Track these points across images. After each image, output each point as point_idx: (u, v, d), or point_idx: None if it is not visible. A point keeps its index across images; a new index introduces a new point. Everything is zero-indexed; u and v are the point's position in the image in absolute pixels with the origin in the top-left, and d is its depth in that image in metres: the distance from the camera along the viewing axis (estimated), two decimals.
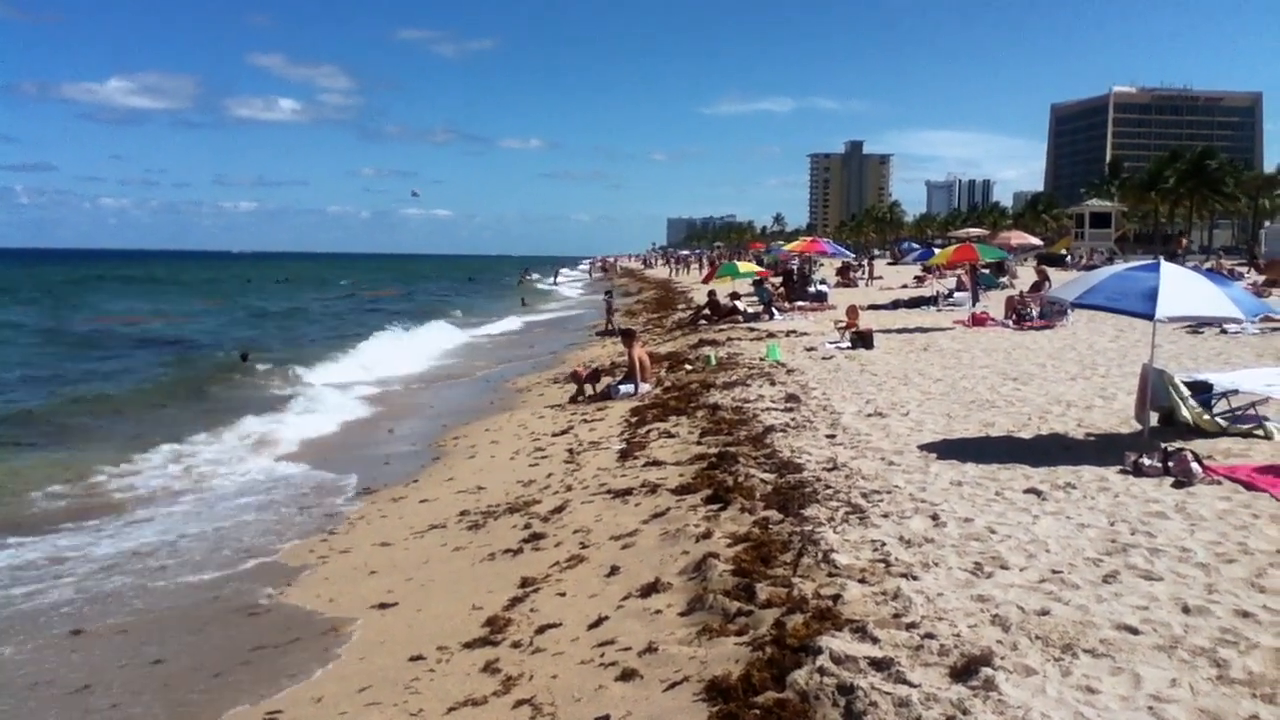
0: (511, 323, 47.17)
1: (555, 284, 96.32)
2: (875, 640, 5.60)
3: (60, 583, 9.57)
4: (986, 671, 5.10)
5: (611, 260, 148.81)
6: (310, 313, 58.44)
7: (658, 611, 6.75)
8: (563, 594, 7.59)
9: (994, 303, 29.63)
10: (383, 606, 8.18)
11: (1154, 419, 11.08)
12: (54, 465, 14.80)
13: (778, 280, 38.28)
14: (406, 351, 32.02)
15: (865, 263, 57.25)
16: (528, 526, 9.74)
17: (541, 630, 6.85)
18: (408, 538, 10.34)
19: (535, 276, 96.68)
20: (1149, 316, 9.93)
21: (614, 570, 7.84)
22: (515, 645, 6.71)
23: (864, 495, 8.78)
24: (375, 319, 46.30)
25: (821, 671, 5.25)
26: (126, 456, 15.11)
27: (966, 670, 5.17)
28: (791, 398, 14.47)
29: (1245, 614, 5.88)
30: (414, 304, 65.87)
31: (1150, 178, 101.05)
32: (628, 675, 5.80)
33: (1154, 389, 10.99)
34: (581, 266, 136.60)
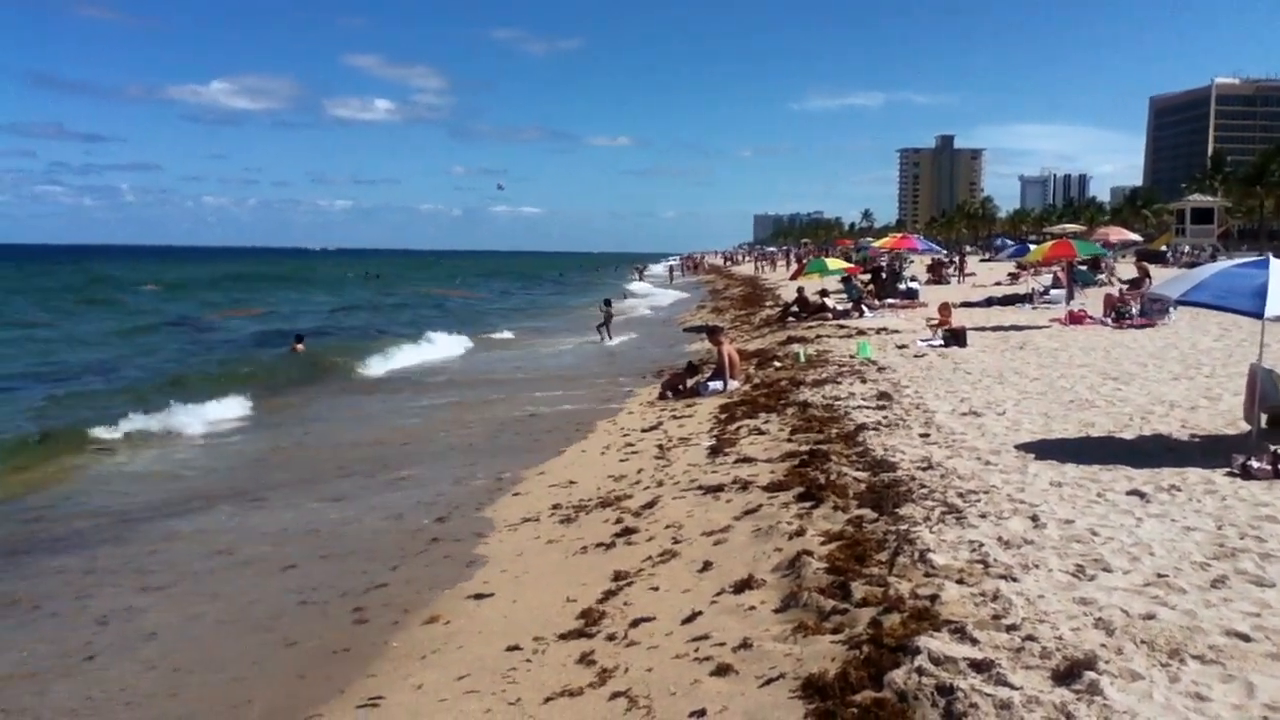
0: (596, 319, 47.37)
1: (641, 281, 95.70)
2: (975, 641, 5.53)
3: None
4: (1090, 675, 5.01)
5: (699, 257, 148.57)
6: (419, 306, 59.49)
7: (751, 608, 6.75)
8: (655, 588, 7.63)
9: (1091, 300, 28.95)
10: (479, 597, 8.31)
11: (1263, 420, 10.74)
12: None
13: (867, 277, 37.85)
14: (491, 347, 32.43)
15: (957, 259, 56.30)
16: (619, 521, 9.81)
17: (635, 624, 6.90)
18: (502, 530, 10.49)
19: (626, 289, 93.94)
20: (1258, 315, 9.65)
21: (706, 566, 7.86)
22: (610, 638, 6.77)
23: (960, 495, 8.66)
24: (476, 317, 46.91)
25: (920, 672, 5.21)
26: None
27: (1069, 674, 5.09)
28: (883, 396, 14.33)
29: None
30: (507, 303, 66.61)
31: (1256, 171, 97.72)
32: (723, 670, 5.82)
33: (1263, 389, 10.66)
34: (666, 264, 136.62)
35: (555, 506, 11.01)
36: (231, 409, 19.45)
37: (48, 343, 36.36)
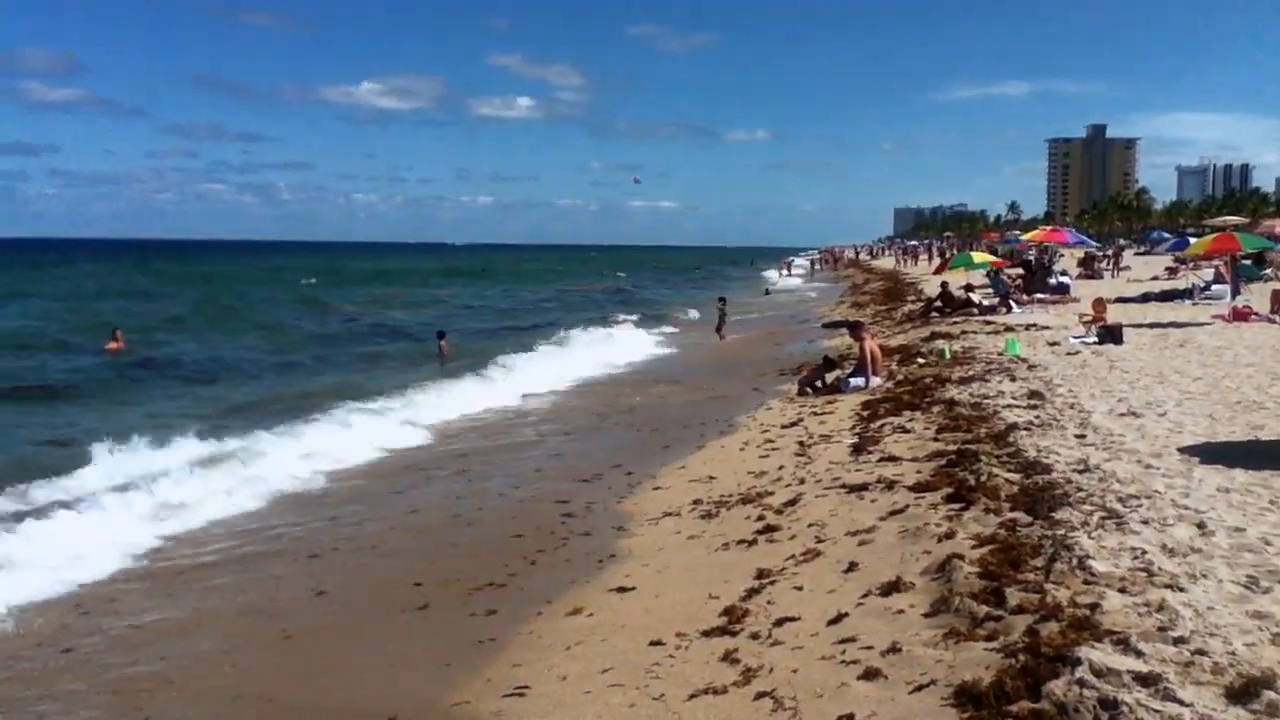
0: (734, 315, 47.16)
1: (788, 276, 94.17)
2: (1140, 654, 5.27)
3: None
4: (1270, 695, 4.71)
5: (838, 251, 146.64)
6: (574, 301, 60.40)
7: (900, 611, 6.59)
8: (799, 588, 7.53)
9: (1256, 296, 27.46)
10: (621, 590, 8.34)
11: None
12: None
13: (1015, 271, 36.71)
14: (637, 342, 32.63)
15: (1110, 253, 54.16)
16: (761, 518, 9.72)
17: (780, 623, 6.82)
18: (642, 524, 10.52)
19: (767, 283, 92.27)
20: None
21: (852, 566, 7.72)
22: (754, 636, 6.71)
23: (1120, 499, 8.29)
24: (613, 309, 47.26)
25: (1081, 683, 4.99)
26: None
27: (1245, 692, 4.80)
28: (1035, 394, 13.85)
29: None
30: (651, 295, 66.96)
31: None
32: (871, 674, 5.69)
33: None
34: (807, 257, 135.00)
35: (695, 502, 10.98)
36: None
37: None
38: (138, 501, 11.99)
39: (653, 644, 6.92)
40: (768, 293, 61.98)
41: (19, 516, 11.19)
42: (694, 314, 44.95)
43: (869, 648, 6.06)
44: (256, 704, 6.98)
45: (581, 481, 12.86)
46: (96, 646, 8.09)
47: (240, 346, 33.52)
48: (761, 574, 8.00)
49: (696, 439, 15.08)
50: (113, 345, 30.21)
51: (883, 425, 13.27)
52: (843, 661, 5.97)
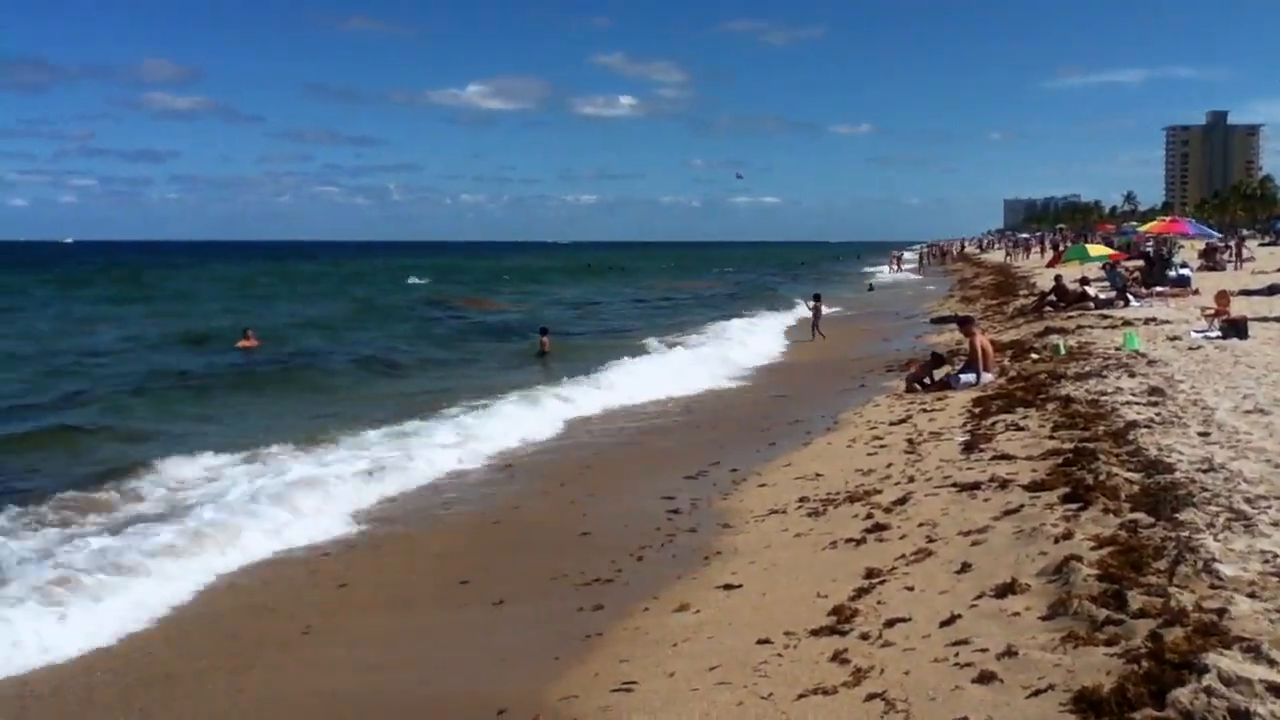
0: (837, 310, 46.67)
1: (898, 270, 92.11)
2: (1273, 662, 5.05)
3: None
4: None
5: (945, 244, 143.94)
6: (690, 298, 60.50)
7: (1015, 614, 6.42)
8: (910, 588, 7.39)
9: None
10: (727, 588, 8.31)
11: None
12: None
13: (1133, 264, 35.55)
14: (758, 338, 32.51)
15: (1233, 244, 52.08)
16: (869, 516, 9.58)
17: (890, 624, 6.71)
18: (748, 521, 10.47)
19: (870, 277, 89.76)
20: None
21: (965, 567, 7.55)
22: (863, 637, 6.61)
23: (1248, 500, 7.95)
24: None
25: (1209, 692, 4.79)
26: None
27: None
28: (1155, 391, 13.38)
29: None
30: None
31: None
32: (986, 678, 5.56)
33: None
34: (916, 250, 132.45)
35: (802, 499, 10.88)
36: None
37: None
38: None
39: (760, 642, 6.87)
40: (871, 288, 61.01)
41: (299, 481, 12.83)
42: (803, 310, 44.61)
43: (983, 650, 5.93)
44: (367, 690, 7.13)
45: (687, 478, 12.85)
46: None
47: (360, 342, 34.26)
48: (871, 573, 7.88)
49: (802, 436, 14.95)
50: (245, 343, 31.17)
51: (995, 422, 12.97)
52: (956, 664, 5.85)
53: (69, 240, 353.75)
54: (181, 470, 13.90)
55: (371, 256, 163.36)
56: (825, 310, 36.25)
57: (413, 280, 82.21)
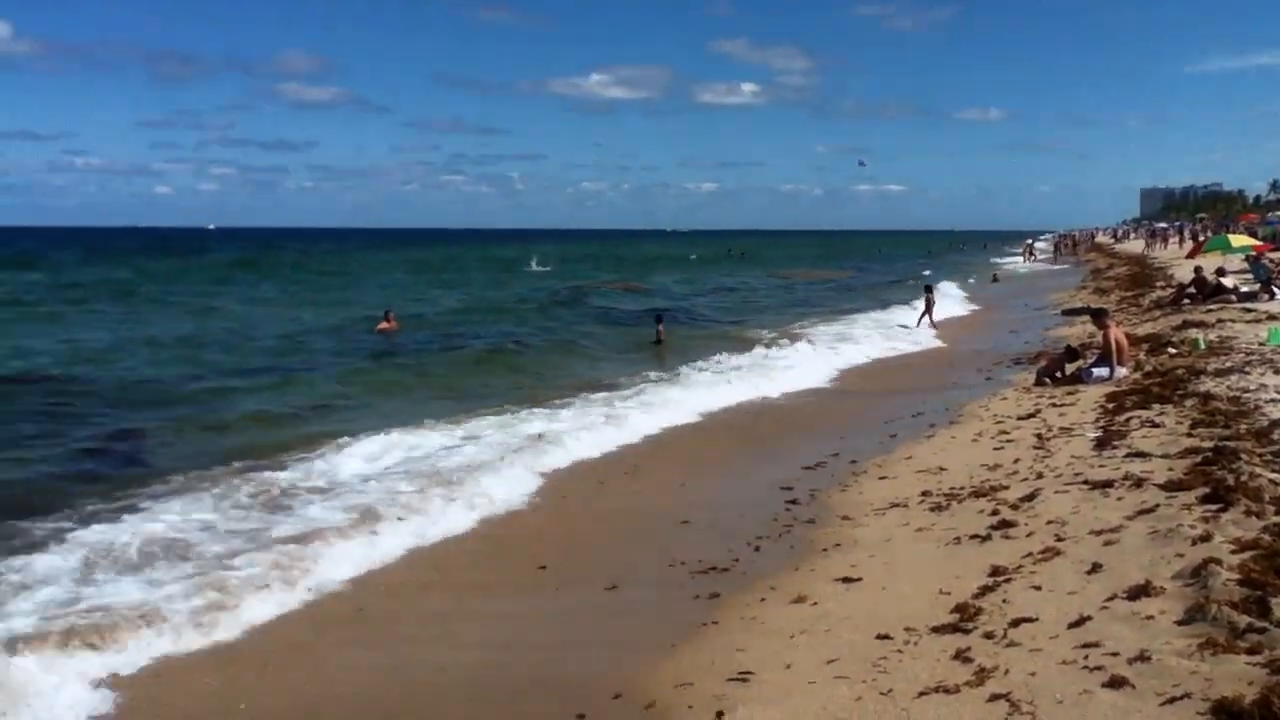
0: (961, 302, 45.61)
1: (1032, 260, 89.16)
2: None
3: None
4: None
5: (1077, 234, 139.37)
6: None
7: (1149, 617, 6.18)
8: (1037, 587, 7.18)
9: None
10: (846, 581, 8.19)
11: None
12: None
13: (1278, 255, 33.87)
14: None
15: None
16: (995, 513, 9.33)
17: (1016, 623, 6.52)
18: (868, 514, 10.31)
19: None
20: None
21: (1095, 567, 7.30)
22: (987, 636, 6.44)
23: None
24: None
25: None
26: None
27: None
28: None
29: None
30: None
31: None
32: (1116, 683, 5.37)
33: None
34: (1045, 242, 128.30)
35: (924, 493, 10.66)
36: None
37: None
38: None
39: (880, 637, 6.76)
40: (996, 279, 59.33)
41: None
42: (935, 295, 43.92)
43: (1114, 654, 5.72)
44: (487, 671, 7.25)
45: (805, 469, 12.72)
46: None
47: (493, 325, 34.67)
48: (996, 571, 7.68)
49: (925, 428, 14.65)
50: (384, 325, 31.87)
51: (1129, 419, 12.51)
52: (1085, 667, 5.66)
53: (211, 227, 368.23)
54: (339, 452, 14.23)
55: (495, 243, 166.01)
56: (947, 301, 35.51)
57: (536, 267, 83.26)
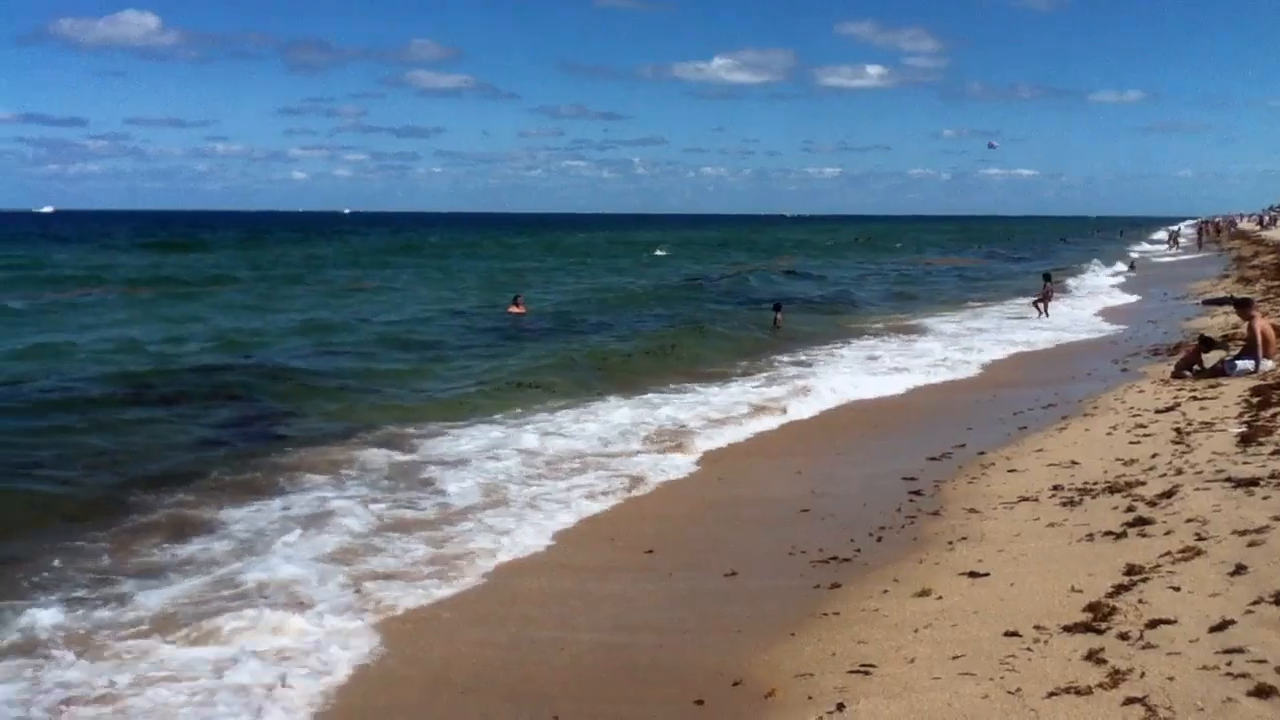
0: (1094, 290, 44.08)
1: (1175, 249, 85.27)
2: None
3: None
4: None
5: (1221, 221, 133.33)
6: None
7: None
8: (1176, 588, 6.89)
9: None
10: (972, 575, 7.99)
11: None
12: None
13: None
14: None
15: None
16: (1131, 509, 8.99)
17: (1153, 625, 6.27)
18: (996, 507, 10.04)
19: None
20: None
21: (1239, 569, 6.97)
22: (1122, 637, 6.21)
23: None
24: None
25: None
26: None
27: None
28: None
29: None
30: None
31: None
32: (1264, 692, 5.12)
33: None
34: (1189, 228, 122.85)
35: (1056, 488, 10.34)
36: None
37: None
38: None
39: (1008, 634, 6.57)
40: (1132, 267, 57.13)
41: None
42: (1071, 283, 42.76)
43: (1261, 661, 5.46)
44: (609, 653, 7.29)
45: (930, 459, 12.46)
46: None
47: (621, 311, 34.71)
48: (1131, 570, 7.40)
49: (1056, 420, 14.20)
50: (514, 309, 32.33)
51: (1275, 414, 11.92)
52: (1228, 674, 5.41)
53: (346, 211, 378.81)
54: (473, 432, 14.62)
55: (618, 227, 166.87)
56: (1079, 291, 34.36)
57: (657, 252, 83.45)
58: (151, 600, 8.27)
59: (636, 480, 12.15)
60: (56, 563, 9.20)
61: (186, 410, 16.39)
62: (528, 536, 10.05)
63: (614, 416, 15.72)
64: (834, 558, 9.00)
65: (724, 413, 16.12)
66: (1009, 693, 5.72)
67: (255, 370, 20.44)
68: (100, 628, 7.76)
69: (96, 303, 36.52)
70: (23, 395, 17.43)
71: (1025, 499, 10.13)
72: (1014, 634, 6.56)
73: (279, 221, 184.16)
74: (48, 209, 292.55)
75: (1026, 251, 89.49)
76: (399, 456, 13.23)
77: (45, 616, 7.84)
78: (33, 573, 8.95)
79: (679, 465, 12.96)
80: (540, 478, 12.16)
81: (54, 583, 8.73)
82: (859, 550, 9.16)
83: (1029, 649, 6.31)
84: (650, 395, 17.65)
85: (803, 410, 16.61)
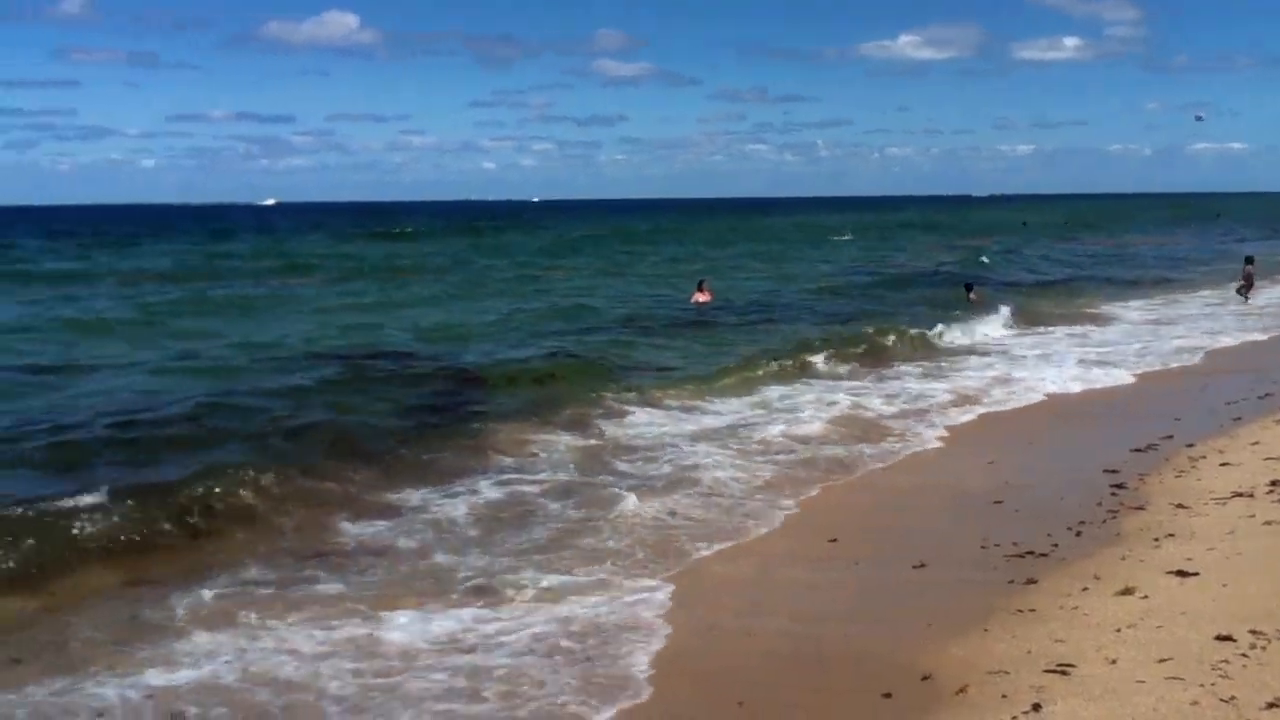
0: None
1: None
2: None
3: None
4: None
5: None
6: None
7: None
8: None
9: None
10: (1180, 574, 7.60)
11: None
12: None
13: None
14: None
15: None
16: None
17: None
18: (1207, 502, 9.50)
19: None
20: None
21: None
22: None
23: None
24: None
25: None
26: None
27: None
28: None
29: None
30: None
31: None
32: None
33: None
34: None
35: (1274, 483, 9.71)
36: None
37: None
38: None
39: (1220, 638, 6.23)
40: None
41: None
42: None
43: None
44: (796, 641, 7.25)
45: (1134, 451, 11.88)
46: None
47: (810, 298, 33.76)
48: None
49: (1273, 411, 13.33)
50: (699, 296, 31.07)
51: None
52: None
53: (535, 200, 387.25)
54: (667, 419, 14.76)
55: (800, 212, 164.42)
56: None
57: (839, 237, 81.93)
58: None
59: (824, 468, 12.04)
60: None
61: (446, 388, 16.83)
62: (718, 520, 10.12)
63: (803, 404, 15.62)
64: (1029, 552, 8.70)
65: (914, 403, 15.75)
66: (1222, 700, 5.42)
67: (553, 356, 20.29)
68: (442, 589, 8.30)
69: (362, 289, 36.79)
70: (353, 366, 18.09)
71: (1239, 494, 9.56)
72: (1227, 638, 6.21)
73: (474, 210, 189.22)
74: (270, 201, 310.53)
75: (1241, 231, 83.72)
76: (592, 441, 13.36)
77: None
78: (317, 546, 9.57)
79: (866, 454, 12.77)
80: (732, 463, 12.16)
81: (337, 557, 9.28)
82: (1056, 545, 8.84)
83: (1244, 655, 5.96)
84: (845, 383, 17.39)
85: (997, 399, 16.10)
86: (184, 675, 6.73)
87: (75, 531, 9.32)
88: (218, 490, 10.55)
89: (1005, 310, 26.23)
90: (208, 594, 8.17)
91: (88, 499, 9.78)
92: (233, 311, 27.96)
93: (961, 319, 26.30)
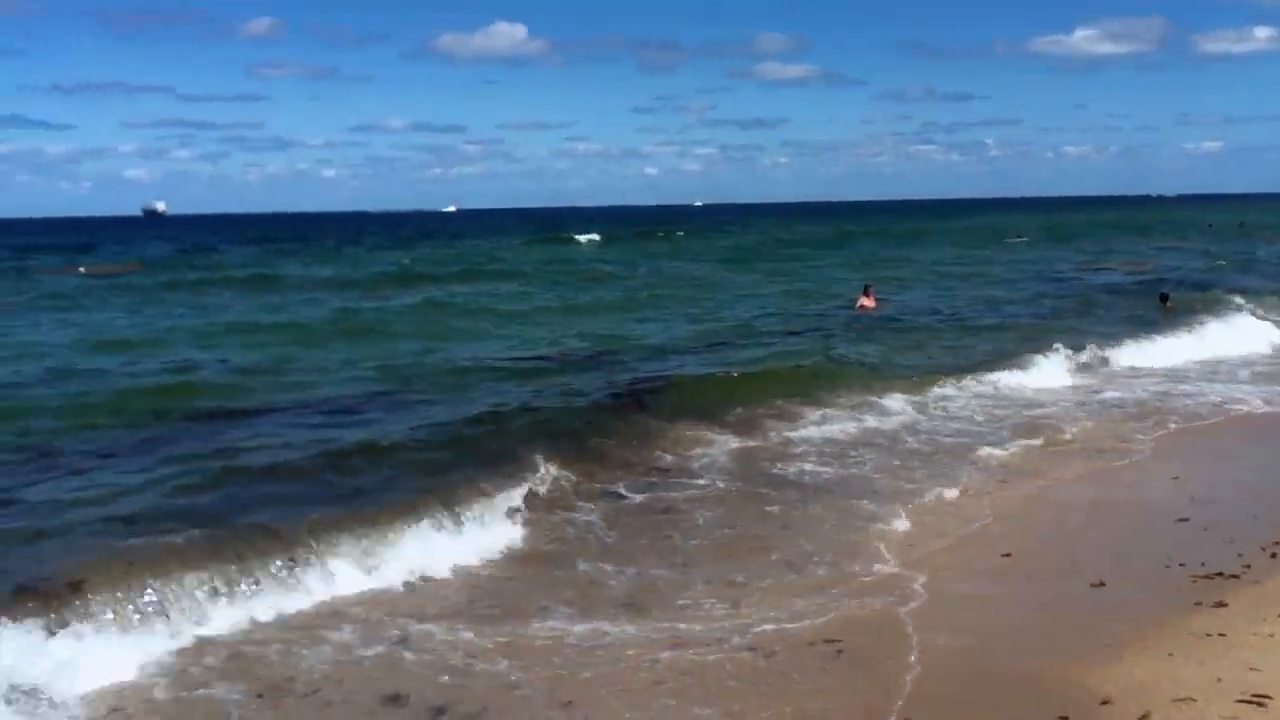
0: None
1: None
2: None
3: None
4: None
5: None
6: None
7: None
8: None
9: None
10: None
11: None
12: None
13: None
14: None
15: None
16: None
17: None
18: None
19: None
20: None
21: None
22: None
23: None
24: None
25: None
26: None
27: None
28: None
29: None
30: None
31: None
32: None
33: None
34: None
35: None
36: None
37: None
38: None
39: None
40: None
41: None
42: None
43: None
44: (966, 657, 7.07)
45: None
46: None
47: (993, 304, 32.24)
48: None
49: None
50: (864, 302, 29.71)
51: None
52: None
53: (698, 204, 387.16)
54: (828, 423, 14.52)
55: (969, 214, 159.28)
56: None
57: (1014, 239, 79.00)
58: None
59: (997, 477, 11.71)
60: None
61: None
62: (890, 524, 10.03)
63: (974, 409, 15.26)
64: (1219, 573, 8.27)
65: (1096, 416, 15.08)
66: None
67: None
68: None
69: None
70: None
71: None
72: None
73: (638, 216, 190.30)
74: (451, 208, 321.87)
75: None
76: (751, 443, 13.26)
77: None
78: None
79: (1043, 464, 12.36)
80: (899, 468, 12.02)
81: None
82: (1249, 566, 8.37)
83: None
84: (1028, 392, 16.84)
85: (1180, 411, 15.32)
86: None
87: None
88: None
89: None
90: None
91: None
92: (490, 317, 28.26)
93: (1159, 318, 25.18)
